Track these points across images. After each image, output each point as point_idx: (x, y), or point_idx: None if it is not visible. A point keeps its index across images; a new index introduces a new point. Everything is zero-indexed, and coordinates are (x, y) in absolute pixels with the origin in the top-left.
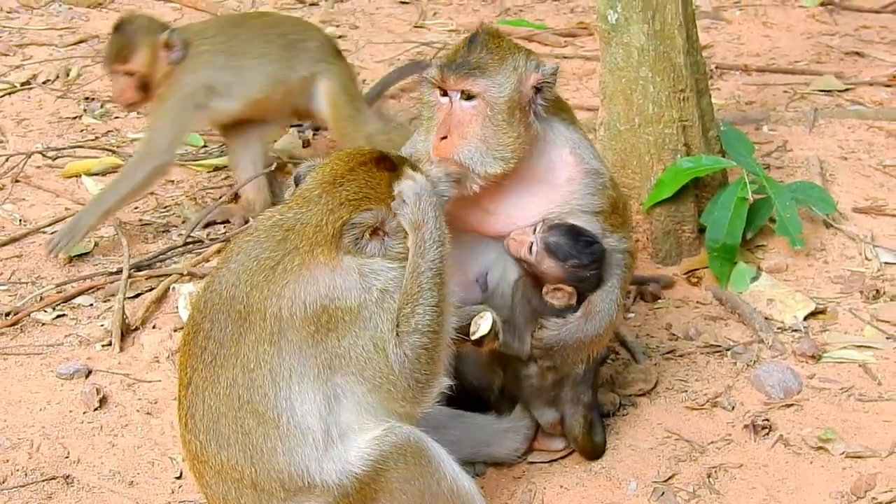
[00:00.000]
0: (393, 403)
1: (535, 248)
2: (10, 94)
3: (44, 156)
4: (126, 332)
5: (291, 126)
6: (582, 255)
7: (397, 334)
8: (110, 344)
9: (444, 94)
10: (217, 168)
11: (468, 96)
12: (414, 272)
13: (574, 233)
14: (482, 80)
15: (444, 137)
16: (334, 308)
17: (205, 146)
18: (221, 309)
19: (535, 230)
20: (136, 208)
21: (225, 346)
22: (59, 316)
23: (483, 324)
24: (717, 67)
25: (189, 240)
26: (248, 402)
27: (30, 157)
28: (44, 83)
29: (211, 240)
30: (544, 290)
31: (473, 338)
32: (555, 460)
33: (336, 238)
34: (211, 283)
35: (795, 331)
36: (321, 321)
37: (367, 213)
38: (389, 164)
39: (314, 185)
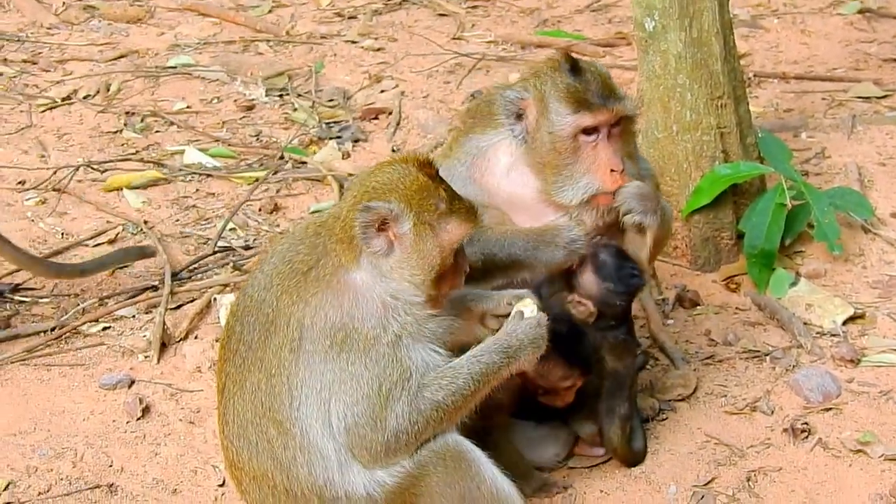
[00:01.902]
0: (359, 447)
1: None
2: (51, 108)
3: (92, 168)
4: (168, 342)
5: (331, 138)
6: (619, 283)
7: (419, 392)
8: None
9: (591, 132)
10: (257, 180)
11: (616, 123)
12: (475, 357)
13: (623, 258)
14: (626, 101)
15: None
16: (352, 328)
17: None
18: (252, 312)
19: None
20: (178, 221)
21: (252, 349)
22: (103, 329)
23: (526, 310)
24: (755, 75)
25: (217, 249)
26: (269, 409)
27: (77, 170)
28: (84, 98)
29: (245, 248)
30: (569, 297)
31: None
32: (595, 465)
33: (352, 228)
34: (245, 287)
35: (834, 335)
36: (337, 338)
37: (382, 202)
38: (431, 170)
39: (353, 181)
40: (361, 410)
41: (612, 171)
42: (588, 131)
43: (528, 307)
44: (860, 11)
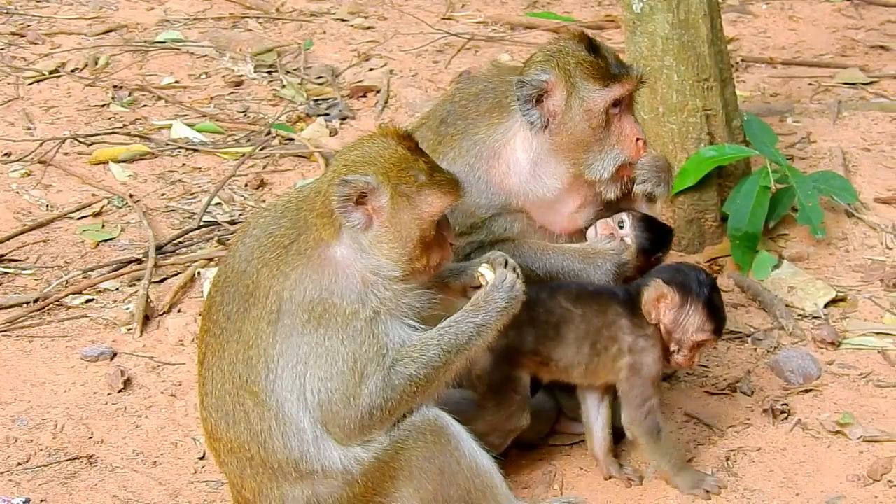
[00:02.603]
0: (332, 423)
1: (629, 243)
2: (38, 81)
3: (79, 141)
4: (152, 316)
5: (318, 115)
6: (658, 236)
7: (392, 367)
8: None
9: (617, 103)
10: (243, 156)
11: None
12: (446, 329)
13: (659, 227)
14: (639, 69)
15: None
16: (331, 303)
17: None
18: (232, 283)
19: (621, 225)
20: (163, 195)
21: (231, 320)
22: (86, 301)
23: (488, 275)
24: (742, 60)
25: (202, 223)
26: (246, 380)
27: (63, 142)
28: (72, 71)
29: (231, 223)
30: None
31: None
32: (575, 443)
33: (332, 203)
34: (227, 258)
35: (816, 318)
36: (315, 312)
37: (360, 175)
38: (411, 143)
39: (334, 156)
40: (336, 386)
41: (637, 139)
42: (616, 103)
43: (489, 272)
44: None
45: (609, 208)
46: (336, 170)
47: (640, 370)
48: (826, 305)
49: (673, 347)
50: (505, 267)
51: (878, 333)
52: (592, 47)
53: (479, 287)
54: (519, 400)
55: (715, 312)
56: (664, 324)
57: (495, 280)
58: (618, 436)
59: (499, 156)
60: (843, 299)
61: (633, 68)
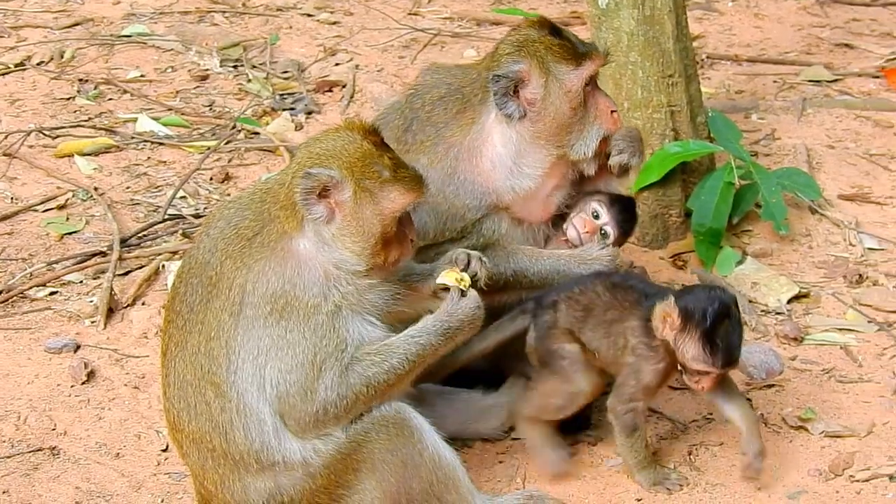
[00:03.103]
0: (288, 416)
1: (610, 230)
2: (3, 74)
3: (44, 134)
4: (116, 308)
5: (284, 110)
6: (626, 212)
7: (349, 366)
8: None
9: (589, 81)
10: (209, 149)
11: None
12: (411, 336)
13: (627, 203)
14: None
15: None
16: (293, 296)
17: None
18: (196, 274)
19: (595, 215)
20: (128, 188)
21: (194, 311)
22: (50, 293)
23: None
24: (708, 57)
25: (167, 216)
26: (207, 371)
27: (28, 135)
28: (38, 64)
29: (196, 216)
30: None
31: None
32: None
33: (295, 195)
34: (192, 249)
35: (779, 313)
36: (277, 305)
37: (323, 169)
38: (376, 138)
39: (299, 148)
40: (294, 379)
41: (612, 111)
42: (589, 80)
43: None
44: None
45: (576, 186)
46: (300, 162)
47: (637, 373)
48: (789, 301)
49: (680, 367)
50: (468, 265)
51: (840, 329)
52: (555, 31)
53: (446, 289)
54: (567, 365)
55: (714, 346)
56: (669, 343)
57: (457, 293)
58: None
59: (480, 154)
60: (806, 295)
61: (597, 45)
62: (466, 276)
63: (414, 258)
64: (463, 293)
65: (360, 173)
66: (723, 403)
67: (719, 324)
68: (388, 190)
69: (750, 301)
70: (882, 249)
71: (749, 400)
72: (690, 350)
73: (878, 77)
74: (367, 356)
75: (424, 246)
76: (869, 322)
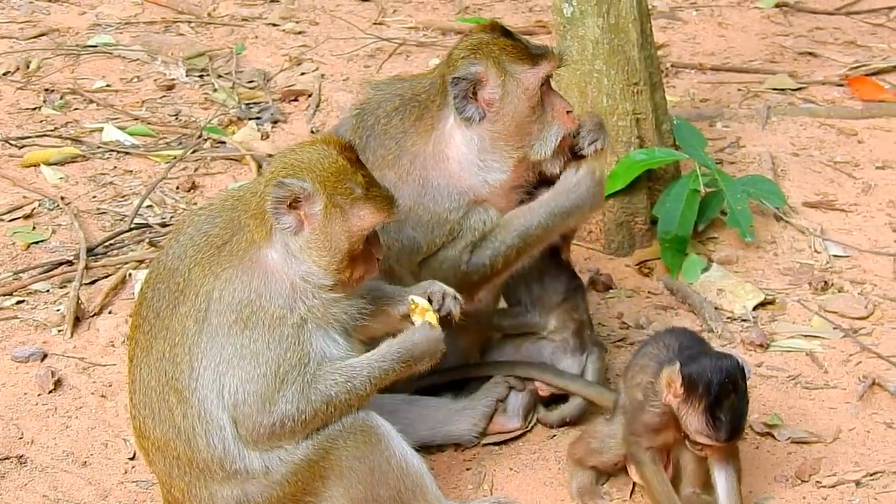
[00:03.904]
0: (241, 426)
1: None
2: None
3: (10, 144)
4: (83, 317)
5: (250, 119)
6: None
7: (311, 383)
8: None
9: (545, 81)
10: (175, 158)
11: None
12: (373, 360)
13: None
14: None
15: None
16: (259, 306)
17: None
18: (163, 280)
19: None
20: (94, 197)
21: (160, 316)
22: (17, 302)
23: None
24: (672, 66)
25: (133, 226)
26: (171, 377)
27: None
28: (4, 74)
29: (162, 225)
30: None
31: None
32: (504, 442)
33: (266, 204)
34: (160, 255)
35: (744, 320)
36: (243, 314)
37: (296, 180)
38: (352, 154)
39: (274, 157)
40: (253, 389)
41: (568, 111)
42: (545, 81)
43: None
44: (777, 5)
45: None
46: (274, 172)
47: (640, 410)
48: (755, 308)
49: (683, 434)
50: (443, 301)
51: (806, 336)
52: (507, 33)
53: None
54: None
55: (717, 420)
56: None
57: (423, 323)
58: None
59: (446, 158)
60: (771, 302)
61: (550, 47)
62: (434, 315)
63: (414, 271)
64: (431, 325)
65: (332, 188)
66: (714, 465)
67: (724, 397)
68: (358, 208)
69: (716, 308)
70: (847, 256)
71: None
72: (693, 422)
73: (841, 85)
74: (330, 375)
75: (422, 259)
76: (834, 328)
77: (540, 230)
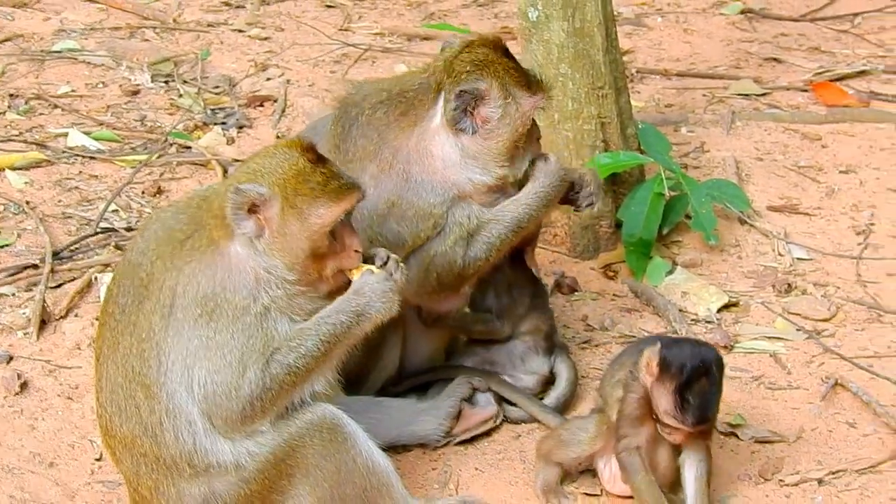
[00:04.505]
0: (216, 416)
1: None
2: None
3: None
4: (49, 320)
5: (216, 124)
6: None
7: (271, 357)
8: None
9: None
10: (140, 163)
11: None
12: (323, 318)
13: None
14: None
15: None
16: (223, 298)
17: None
18: (128, 275)
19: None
20: (60, 201)
21: (126, 312)
22: None
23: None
24: (637, 71)
25: (99, 230)
26: (138, 373)
27: None
28: None
29: (128, 230)
30: None
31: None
32: (470, 441)
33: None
34: (126, 251)
35: (709, 322)
36: (207, 307)
37: (255, 185)
38: (314, 156)
39: (242, 162)
40: (221, 379)
41: (538, 138)
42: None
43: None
44: (742, 12)
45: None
46: (236, 176)
47: (624, 406)
48: (719, 310)
49: (654, 417)
50: (386, 259)
51: (769, 337)
52: (508, 54)
53: None
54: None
55: (685, 402)
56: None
57: (362, 272)
58: None
59: (430, 154)
60: (735, 304)
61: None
62: (374, 268)
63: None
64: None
65: (290, 190)
66: (685, 463)
67: (695, 381)
68: (315, 206)
69: (680, 310)
70: (810, 259)
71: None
72: (663, 403)
73: (806, 91)
74: (284, 343)
75: (408, 253)
76: (798, 330)
77: (529, 219)
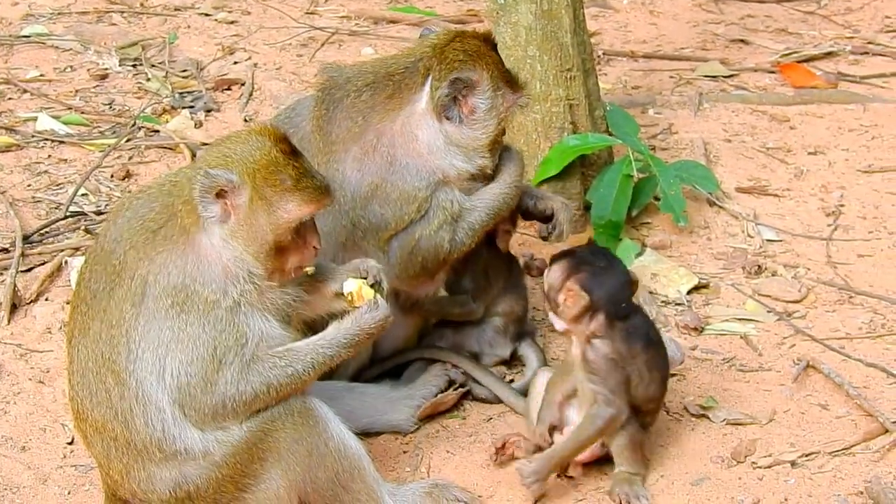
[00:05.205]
0: (189, 407)
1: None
2: None
3: None
4: (19, 304)
5: (184, 108)
6: None
7: (250, 363)
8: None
9: None
10: (109, 147)
11: None
12: (319, 345)
13: None
14: None
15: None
16: (193, 290)
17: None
18: (101, 261)
19: None
20: (29, 186)
21: (97, 298)
22: None
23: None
24: (604, 54)
25: (69, 213)
26: (108, 359)
27: None
28: None
29: (97, 213)
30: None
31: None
32: (441, 426)
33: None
34: (99, 237)
35: (679, 304)
36: (178, 298)
37: (222, 171)
38: (287, 147)
39: (212, 144)
40: (195, 371)
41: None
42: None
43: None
44: None
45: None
46: (207, 160)
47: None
48: (689, 292)
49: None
50: (376, 281)
51: (740, 319)
52: (497, 50)
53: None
54: None
55: None
56: None
57: (365, 303)
58: None
59: (415, 138)
60: (705, 286)
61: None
62: (371, 291)
63: (383, 248)
64: (376, 304)
65: (261, 180)
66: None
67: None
68: (286, 200)
69: (650, 292)
70: (780, 241)
71: None
72: None
73: (773, 72)
74: (271, 358)
75: (391, 236)
76: (768, 312)
77: (505, 205)
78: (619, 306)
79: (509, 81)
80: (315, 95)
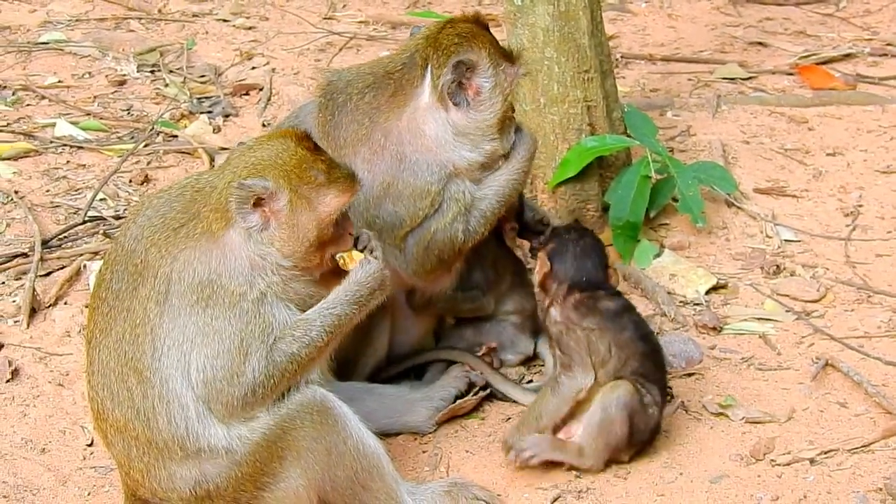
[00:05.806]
0: (215, 401)
1: None
2: None
3: None
4: (39, 308)
5: (202, 113)
6: None
7: (273, 345)
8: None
9: None
10: (127, 152)
11: None
12: (327, 309)
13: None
14: None
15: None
16: (219, 285)
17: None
18: (121, 261)
19: None
20: (48, 191)
21: (120, 298)
22: None
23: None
24: (622, 57)
25: (87, 218)
26: (131, 358)
27: None
28: None
29: (116, 218)
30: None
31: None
32: (460, 424)
33: (228, 202)
34: (118, 237)
35: (697, 304)
36: (204, 293)
37: (260, 180)
38: (310, 143)
39: (234, 153)
40: (221, 364)
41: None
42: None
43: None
44: None
45: None
46: (236, 171)
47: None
48: (707, 292)
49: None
50: (367, 246)
51: (759, 319)
52: (488, 29)
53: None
54: None
55: None
56: None
57: (361, 261)
58: None
59: (422, 133)
60: (724, 286)
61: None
62: (359, 253)
63: (399, 245)
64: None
65: (296, 180)
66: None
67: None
68: (323, 194)
69: (668, 293)
70: (798, 241)
71: None
72: None
73: (791, 74)
74: (288, 332)
75: (406, 232)
76: (787, 311)
77: (514, 190)
78: (581, 279)
79: (506, 56)
80: (317, 101)
